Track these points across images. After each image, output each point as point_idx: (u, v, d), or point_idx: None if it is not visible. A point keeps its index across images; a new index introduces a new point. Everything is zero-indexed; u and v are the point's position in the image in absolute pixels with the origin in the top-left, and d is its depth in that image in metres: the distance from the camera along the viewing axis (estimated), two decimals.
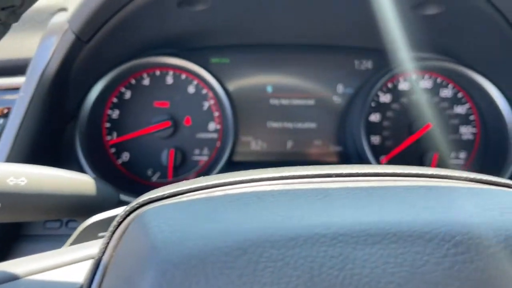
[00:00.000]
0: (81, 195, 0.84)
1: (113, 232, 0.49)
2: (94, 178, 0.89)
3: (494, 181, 0.56)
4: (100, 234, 0.76)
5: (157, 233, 0.44)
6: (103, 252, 0.48)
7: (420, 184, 0.54)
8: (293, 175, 0.57)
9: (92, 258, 0.50)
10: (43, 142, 1.17)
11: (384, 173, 0.57)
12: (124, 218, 0.50)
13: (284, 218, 0.45)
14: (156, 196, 0.56)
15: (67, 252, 0.58)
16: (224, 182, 0.57)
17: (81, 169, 1.28)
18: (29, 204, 0.75)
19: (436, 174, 0.57)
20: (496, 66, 1.28)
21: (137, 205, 0.55)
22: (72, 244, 0.75)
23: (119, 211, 0.74)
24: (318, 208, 0.48)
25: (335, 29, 1.34)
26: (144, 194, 0.62)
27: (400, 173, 0.57)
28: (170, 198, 0.55)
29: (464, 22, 1.11)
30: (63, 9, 1.11)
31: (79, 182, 0.85)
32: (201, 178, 0.64)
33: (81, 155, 1.27)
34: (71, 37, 1.01)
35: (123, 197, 1.17)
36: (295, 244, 0.42)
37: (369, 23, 1.32)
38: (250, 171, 0.65)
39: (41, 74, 1.06)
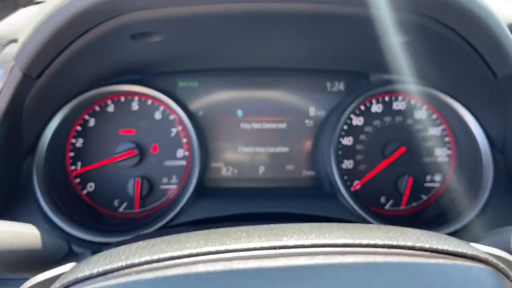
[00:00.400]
0: (26, 249, 0.79)
1: None
2: (41, 230, 0.83)
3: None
4: None
5: None
6: None
7: (367, 261, 0.49)
8: (233, 249, 0.53)
9: None
10: None
11: (333, 244, 0.53)
12: None
13: None
14: (83, 276, 0.51)
15: None
16: (158, 259, 0.52)
17: (39, 206, 1.22)
18: None
19: (387, 244, 0.53)
20: (468, 91, 1.25)
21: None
22: None
23: (65, 269, 0.69)
24: None
25: (305, 53, 1.30)
26: (74, 267, 0.57)
27: (351, 243, 0.53)
28: (96, 279, 0.51)
29: (434, 49, 1.07)
30: (14, 41, 1.05)
31: (23, 235, 0.79)
32: (138, 245, 0.59)
33: (39, 190, 1.21)
34: (18, 75, 0.95)
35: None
36: None
37: (339, 48, 1.29)
38: (191, 235, 0.61)
39: None
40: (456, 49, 1.03)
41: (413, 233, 0.57)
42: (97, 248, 1.15)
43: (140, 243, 0.60)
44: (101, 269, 0.49)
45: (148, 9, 0.84)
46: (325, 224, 0.60)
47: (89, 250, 0.89)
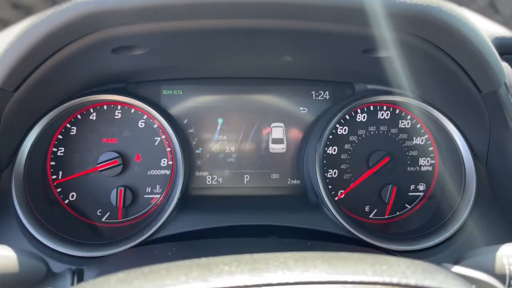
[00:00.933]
0: (2, 274, 0.76)
1: None
2: (16, 252, 0.80)
3: None
4: None
5: None
6: None
7: None
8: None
9: None
10: None
11: (318, 281, 0.52)
12: None
13: None
14: None
15: None
16: None
17: (17, 218, 1.18)
18: None
19: (373, 281, 0.52)
20: (453, 104, 1.26)
21: None
22: None
23: None
24: None
25: (289, 64, 1.29)
26: None
27: (335, 281, 0.52)
28: None
29: (419, 64, 1.07)
30: None
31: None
32: (118, 278, 0.58)
33: (17, 203, 1.18)
34: None
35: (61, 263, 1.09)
36: None
37: (325, 61, 1.28)
38: (173, 267, 0.59)
39: None
40: (441, 65, 1.03)
41: (398, 265, 0.57)
42: (77, 263, 1.13)
43: (120, 275, 0.59)
44: None
45: (127, 25, 0.82)
46: (309, 255, 0.59)
47: (68, 270, 0.87)
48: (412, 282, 0.52)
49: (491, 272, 0.75)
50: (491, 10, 0.41)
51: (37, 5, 0.43)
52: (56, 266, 0.94)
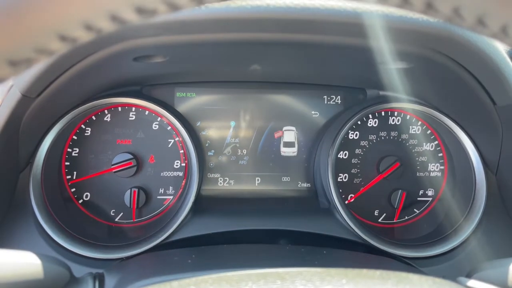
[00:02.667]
0: (27, 281, 0.78)
1: None
2: (40, 258, 0.82)
3: None
4: None
5: None
6: None
7: None
8: None
9: None
10: None
11: None
12: None
13: None
14: None
15: None
16: None
17: (35, 219, 1.20)
18: None
19: None
20: (465, 114, 1.27)
21: None
22: None
23: None
24: None
25: (302, 71, 1.30)
26: None
27: None
28: None
29: (433, 76, 1.08)
30: None
31: (23, 266, 0.78)
32: None
33: (35, 204, 1.20)
34: (16, 95, 0.94)
35: (81, 269, 1.11)
36: None
37: (338, 69, 1.29)
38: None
39: None
40: (456, 77, 1.04)
41: (421, 285, 0.59)
42: (94, 266, 1.15)
43: None
44: None
45: (151, 37, 0.83)
46: (335, 273, 0.61)
47: (89, 275, 0.88)
48: None
49: (505, 285, 0.77)
50: (503, 35, 0.42)
51: (82, 36, 0.44)
52: (74, 269, 0.96)
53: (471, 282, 0.77)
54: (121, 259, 1.18)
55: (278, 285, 0.57)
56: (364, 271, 0.63)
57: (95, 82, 1.16)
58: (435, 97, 1.25)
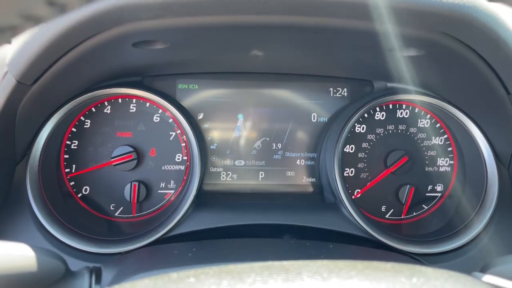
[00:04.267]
0: (21, 273, 0.75)
1: None
2: (35, 250, 0.79)
3: None
4: None
5: None
6: None
7: None
8: None
9: None
10: None
11: None
12: None
13: None
14: None
15: None
16: None
17: (32, 212, 1.17)
18: None
19: None
20: (476, 104, 1.23)
21: None
22: None
23: None
24: None
25: (308, 61, 1.26)
26: None
27: None
28: None
29: (445, 63, 1.04)
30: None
31: (18, 258, 0.75)
32: None
33: (31, 196, 1.17)
34: (12, 81, 0.90)
35: (76, 262, 1.08)
36: None
37: (344, 58, 1.25)
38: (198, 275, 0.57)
39: None
40: (468, 64, 1.00)
41: (436, 278, 0.55)
42: (92, 260, 1.11)
43: (147, 281, 0.57)
44: None
45: (152, 19, 0.79)
46: (343, 265, 0.57)
47: (86, 269, 0.85)
48: None
49: None
50: None
51: (71, 2, 0.40)
52: (72, 263, 0.92)
53: (486, 277, 0.73)
54: (120, 253, 1.15)
55: (283, 277, 0.53)
56: (375, 263, 0.59)
57: (94, 69, 1.12)
58: (445, 87, 1.21)
